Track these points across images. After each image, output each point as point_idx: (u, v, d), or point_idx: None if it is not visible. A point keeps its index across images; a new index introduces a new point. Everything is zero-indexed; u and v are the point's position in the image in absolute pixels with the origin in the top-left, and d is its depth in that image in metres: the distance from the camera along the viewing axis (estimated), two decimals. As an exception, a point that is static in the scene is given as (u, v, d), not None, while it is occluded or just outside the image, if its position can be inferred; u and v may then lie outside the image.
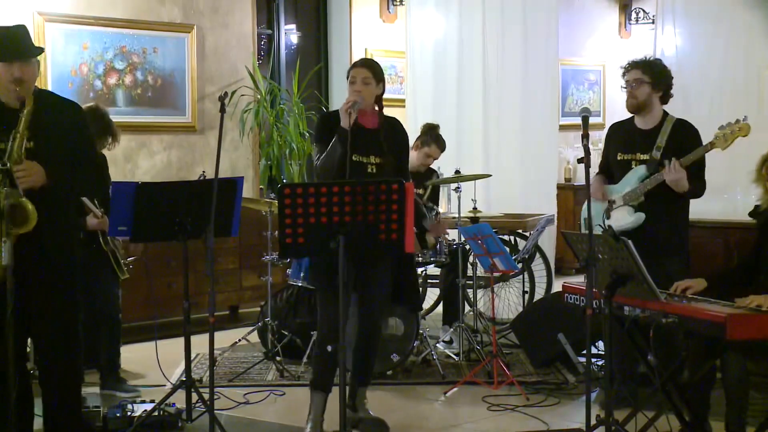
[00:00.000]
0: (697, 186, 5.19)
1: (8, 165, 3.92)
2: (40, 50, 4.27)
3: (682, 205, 5.29)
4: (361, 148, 4.84)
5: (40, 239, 4.05)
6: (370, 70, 4.92)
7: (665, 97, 5.30)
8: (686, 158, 5.05)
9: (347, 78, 4.97)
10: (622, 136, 5.36)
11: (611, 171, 5.41)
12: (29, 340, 4.44)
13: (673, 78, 5.34)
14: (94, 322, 5.63)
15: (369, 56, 9.48)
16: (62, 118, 4.20)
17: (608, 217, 5.28)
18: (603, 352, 4.82)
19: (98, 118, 5.70)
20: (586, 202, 5.50)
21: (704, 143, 5.14)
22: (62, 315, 4.21)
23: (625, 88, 5.29)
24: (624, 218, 5.20)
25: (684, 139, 5.18)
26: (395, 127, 5.08)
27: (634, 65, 5.28)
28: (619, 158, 5.29)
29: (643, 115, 5.27)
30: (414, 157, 6.87)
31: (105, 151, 5.75)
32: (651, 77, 5.21)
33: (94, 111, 5.72)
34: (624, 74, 5.31)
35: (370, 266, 4.81)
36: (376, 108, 5.01)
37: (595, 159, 5.78)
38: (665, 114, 5.29)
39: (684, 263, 5.22)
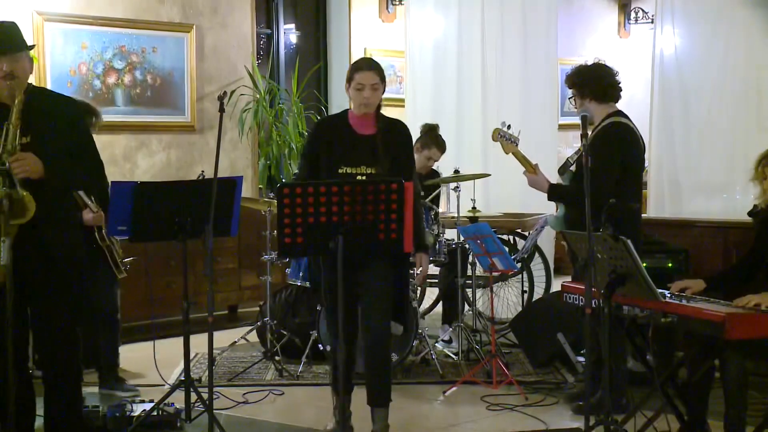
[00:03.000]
0: (570, 189, 5.28)
1: (7, 165, 3.93)
2: (29, 46, 4.26)
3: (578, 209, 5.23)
4: (351, 159, 4.60)
5: (39, 234, 4.07)
6: (378, 74, 4.61)
7: (599, 95, 5.29)
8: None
9: (348, 81, 4.65)
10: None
11: None
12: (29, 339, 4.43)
13: (599, 72, 5.35)
14: (92, 321, 5.63)
15: (368, 56, 9.48)
16: (57, 113, 4.23)
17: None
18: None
19: None
20: (562, 206, 5.55)
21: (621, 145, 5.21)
22: (61, 312, 4.20)
23: None
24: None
25: (594, 139, 5.14)
26: (394, 130, 4.75)
27: (565, 82, 5.43)
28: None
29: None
30: (415, 160, 6.83)
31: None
32: (575, 87, 5.33)
33: None
34: None
35: (366, 267, 4.55)
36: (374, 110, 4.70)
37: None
38: (609, 115, 5.28)
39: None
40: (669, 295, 4.34)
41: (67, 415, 4.30)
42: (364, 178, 4.56)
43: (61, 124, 4.21)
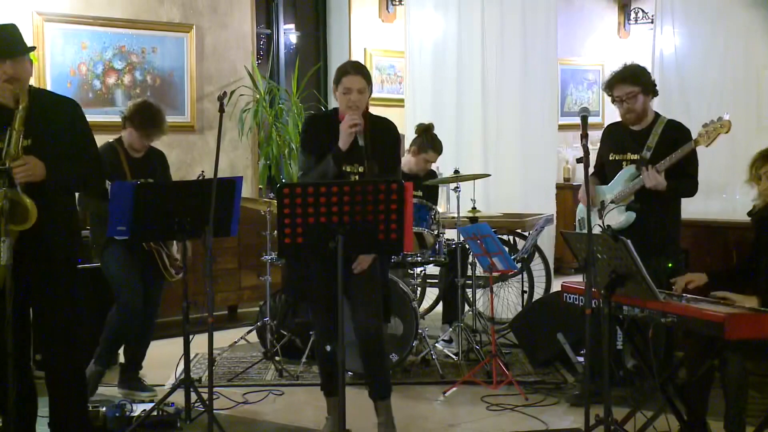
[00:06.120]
0: (688, 185, 5.25)
1: (7, 164, 3.94)
2: (31, 48, 4.27)
3: (673, 205, 5.33)
4: (348, 158, 4.67)
5: (41, 235, 4.07)
6: (364, 78, 4.70)
7: (655, 93, 5.37)
8: (662, 163, 5.14)
9: (336, 84, 4.72)
10: (615, 137, 5.44)
11: (605, 172, 5.47)
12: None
13: (651, 73, 5.42)
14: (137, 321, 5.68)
15: (368, 56, 9.49)
16: (58, 114, 4.22)
17: (600, 218, 5.30)
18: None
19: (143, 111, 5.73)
20: (580, 204, 5.56)
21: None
22: (63, 311, 4.19)
23: (617, 102, 5.32)
24: (614, 218, 5.24)
25: (675, 139, 5.23)
26: (381, 129, 4.81)
27: (620, 80, 5.29)
28: (611, 158, 5.38)
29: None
30: (413, 162, 6.83)
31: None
32: (641, 86, 5.27)
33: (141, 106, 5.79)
34: (610, 90, 5.33)
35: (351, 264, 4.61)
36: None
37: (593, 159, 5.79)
38: (657, 115, 5.37)
39: (678, 263, 5.26)
40: (676, 291, 4.34)
41: (70, 416, 4.29)
42: (357, 177, 4.63)
43: (61, 126, 4.20)
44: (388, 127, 4.87)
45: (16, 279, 4.02)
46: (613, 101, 5.37)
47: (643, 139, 5.27)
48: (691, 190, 5.30)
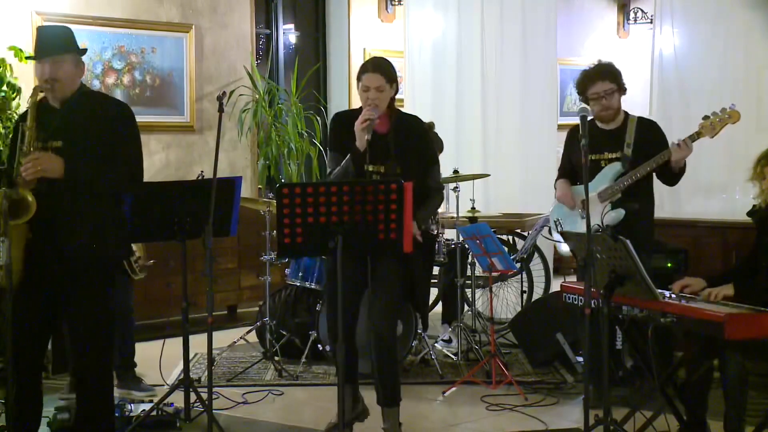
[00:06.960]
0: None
1: (5, 165, 3.94)
2: (76, 49, 4.20)
3: (651, 203, 5.37)
4: (371, 157, 4.58)
5: (57, 236, 4.04)
6: (383, 75, 4.59)
7: (623, 94, 5.39)
8: (691, 137, 5.12)
9: (358, 81, 4.67)
10: None
11: (574, 173, 5.49)
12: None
13: None
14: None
15: (367, 56, 9.48)
16: (95, 116, 4.17)
17: (582, 218, 5.31)
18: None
19: None
20: (554, 204, 5.55)
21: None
22: (92, 314, 4.16)
23: (592, 99, 5.30)
24: (602, 216, 5.24)
25: (650, 135, 5.29)
26: (408, 128, 4.75)
27: (601, 76, 5.29)
28: None
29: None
30: None
31: None
32: (617, 84, 5.30)
33: None
34: (586, 87, 5.31)
35: (379, 262, 4.51)
36: (387, 109, 4.68)
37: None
38: (626, 113, 5.38)
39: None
40: (669, 295, 4.33)
41: (95, 418, 4.28)
42: (377, 177, 4.56)
43: (96, 127, 4.14)
44: (411, 124, 4.81)
45: (35, 280, 4.01)
46: (585, 100, 5.36)
47: (618, 138, 5.28)
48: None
